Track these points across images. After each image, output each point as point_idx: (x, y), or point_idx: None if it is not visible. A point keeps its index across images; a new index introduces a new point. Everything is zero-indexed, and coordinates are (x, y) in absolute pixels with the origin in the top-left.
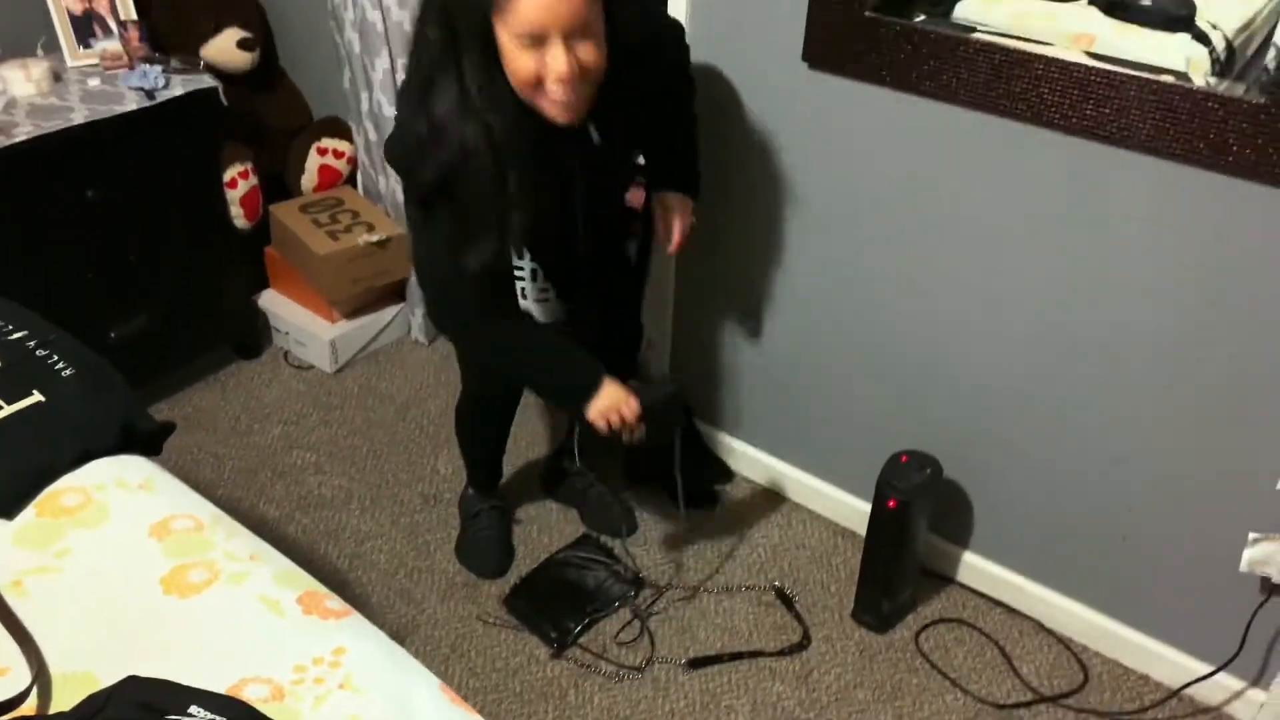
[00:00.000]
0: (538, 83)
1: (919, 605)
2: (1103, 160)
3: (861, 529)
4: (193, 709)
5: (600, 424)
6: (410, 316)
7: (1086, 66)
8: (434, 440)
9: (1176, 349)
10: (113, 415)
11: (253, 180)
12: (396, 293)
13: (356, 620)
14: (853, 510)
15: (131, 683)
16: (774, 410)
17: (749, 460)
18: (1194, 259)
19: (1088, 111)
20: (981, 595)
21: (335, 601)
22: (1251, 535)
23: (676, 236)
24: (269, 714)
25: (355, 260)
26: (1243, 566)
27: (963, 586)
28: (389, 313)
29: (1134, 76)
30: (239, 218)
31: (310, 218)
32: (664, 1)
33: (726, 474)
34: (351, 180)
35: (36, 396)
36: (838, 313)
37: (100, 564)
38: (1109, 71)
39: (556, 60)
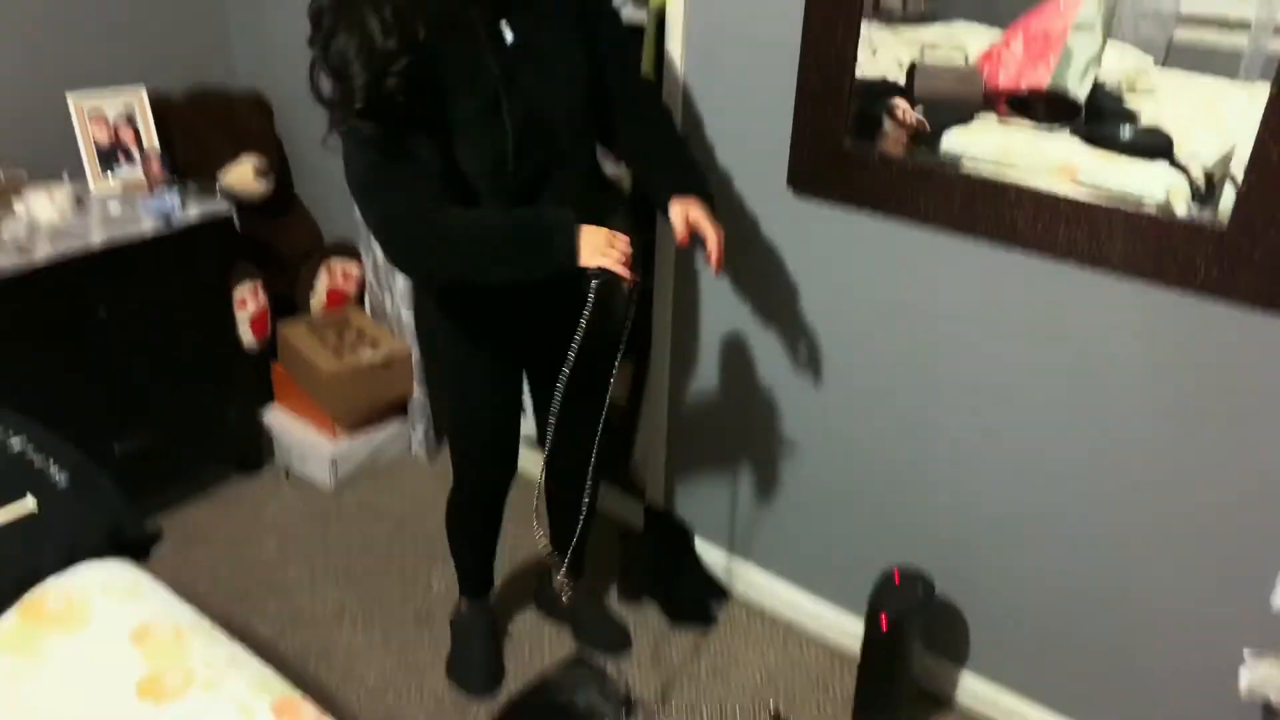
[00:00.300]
0: None
1: None
2: (1077, 282)
3: (858, 651)
4: None
5: (608, 261)
6: (411, 432)
7: (1055, 195)
8: (429, 556)
9: (1158, 466)
10: (102, 520)
11: (262, 301)
12: (398, 408)
13: None
14: (849, 630)
15: None
16: (769, 529)
17: (745, 579)
18: (1171, 377)
19: (1060, 234)
20: (980, 717)
21: (310, 709)
22: (1246, 652)
23: (714, 250)
24: None
25: (360, 378)
26: (1243, 693)
27: (961, 710)
28: (390, 429)
29: (1099, 206)
30: (247, 337)
31: (317, 336)
32: None
33: (722, 593)
34: (359, 300)
35: (29, 502)
36: (829, 432)
37: (78, 668)
38: (1076, 201)
39: None
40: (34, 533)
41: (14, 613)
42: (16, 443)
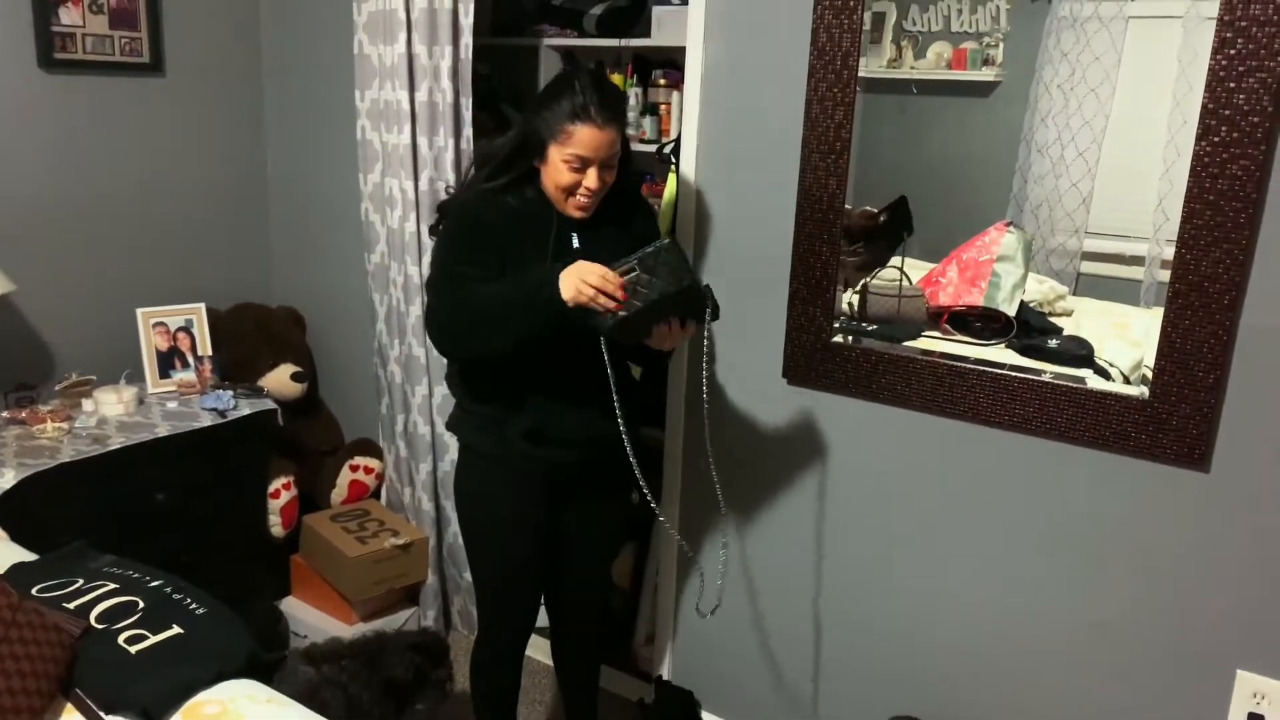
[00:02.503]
0: (570, 190)
1: None
2: (1032, 450)
3: None
4: None
5: (579, 292)
6: (422, 619)
7: (1010, 375)
8: None
9: (1117, 615)
10: (240, 645)
11: (294, 492)
12: (410, 597)
13: None
14: None
15: None
16: (774, 697)
17: None
18: (1114, 532)
19: (1015, 410)
20: None
21: None
22: None
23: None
24: None
25: (381, 562)
26: None
27: None
28: (402, 616)
29: (1048, 383)
30: (276, 526)
31: (340, 525)
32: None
33: None
34: (376, 494)
35: (176, 629)
36: (828, 598)
37: None
38: (1028, 378)
39: (591, 179)
40: (186, 652)
41: (179, 716)
42: (158, 582)
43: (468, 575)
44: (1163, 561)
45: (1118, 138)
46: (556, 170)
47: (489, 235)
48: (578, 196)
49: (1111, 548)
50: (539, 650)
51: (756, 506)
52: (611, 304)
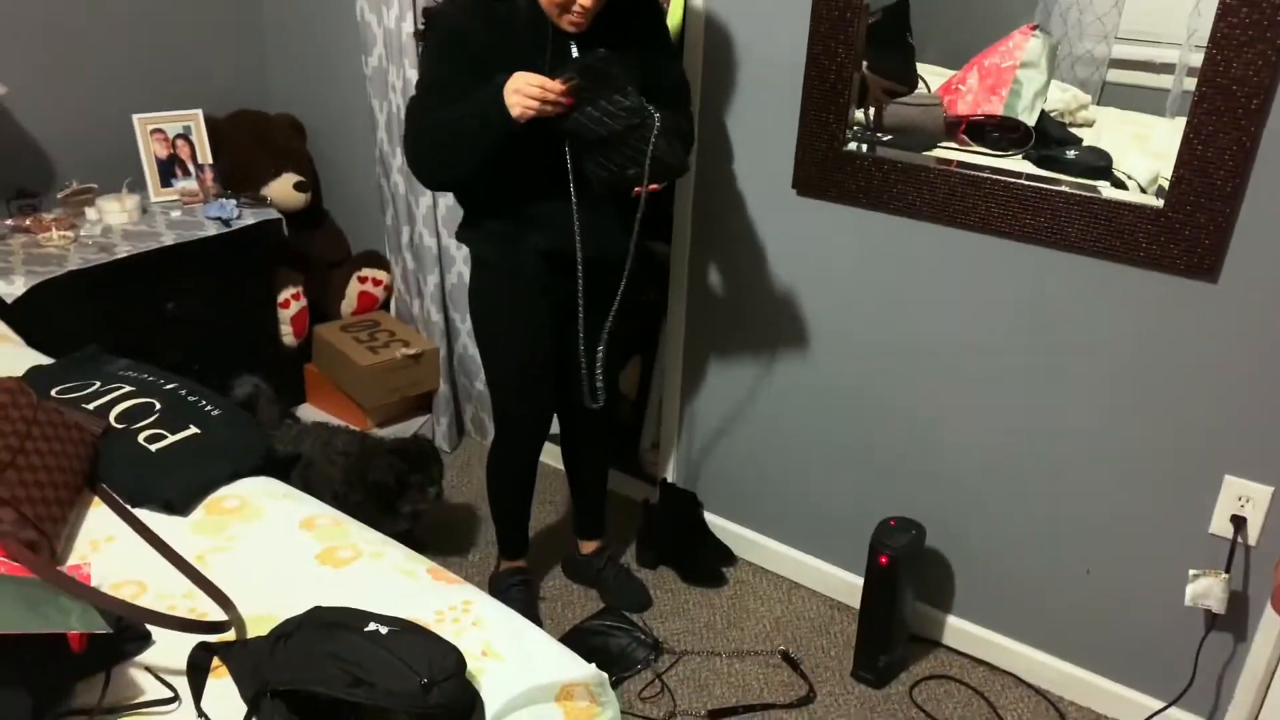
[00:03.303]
0: (563, 6)
1: (910, 665)
2: (1040, 260)
3: (854, 601)
4: (371, 625)
5: (524, 107)
6: (435, 426)
7: (1024, 184)
8: (460, 535)
9: (1112, 420)
10: (255, 444)
11: (303, 302)
12: (424, 405)
13: (472, 587)
14: (846, 584)
15: (317, 610)
16: (771, 495)
17: (749, 543)
18: (1118, 340)
19: (1026, 221)
20: (966, 655)
21: (451, 575)
22: (1191, 572)
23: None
24: None
25: (393, 372)
26: (1186, 601)
27: (949, 649)
28: (416, 422)
29: (1062, 192)
30: (288, 335)
31: (351, 336)
32: None
33: (729, 557)
34: (385, 306)
35: (193, 429)
36: (826, 405)
37: (263, 546)
38: (1042, 188)
39: None
40: (203, 451)
41: (201, 509)
42: (173, 385)
43: (479, 384)
44: (1164, 371)
45: None
46: None
47: (474, 49)
48: (574, 13)
49: (1114, 357)
50: (551, 456)
51: (762, 317)
52: (560, 110)
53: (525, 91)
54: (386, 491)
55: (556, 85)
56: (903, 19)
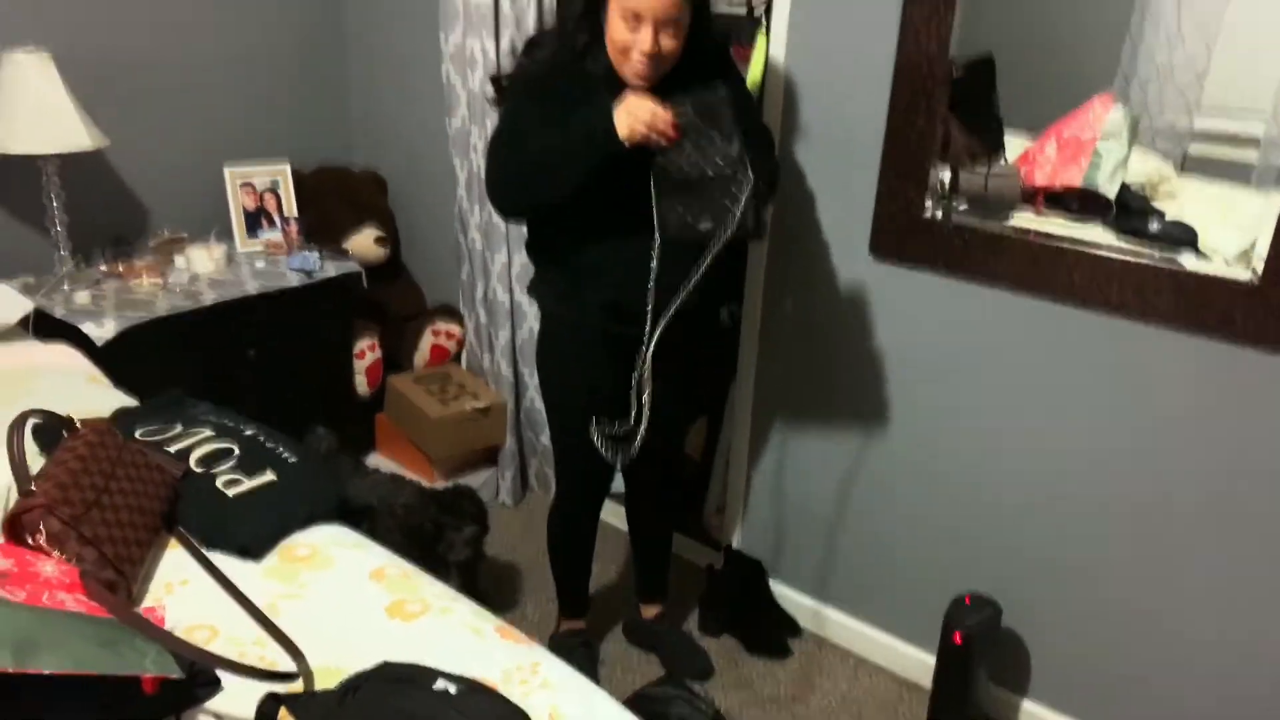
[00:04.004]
0: (625, 51)
1: None
2: (1128, 333)
3: (925, 680)
4: (440, 683)
5: (632, 129)
6: (500, 480)
7: (1109, 255)
8: (522, 590)
9: (1210, 503)
10: (330, 492)
11: (378, 353)
12: (490, 458)
13: (540, 647)
14: (917, 662)
15: (387, 665)
16: (840, 566)
17: (816, 615)
18: (1213, 417)
19: (1113, 292)
20: None
21: (520, 634)
22: None
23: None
24: None
25: (461, 424)
26: None
27: None
28: (481, 476)
29: (1149, 265)
30: (362, 385)
31: (423, 387)
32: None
33: (794, 628)
34: (457, 358)
35: (270, 475)
36: (900, 474)
37: (333, 595)
38: (1128, 260)
39: (644, 39)
40: (278, 498)
41: (274, 555)
42: (251, 430)
43: (545, 439)
44: (1266, 453)
45: (1240, 8)
46: (613, 25)
47: (556, 101)
48: (634, 60)
49: (1211, 436)
50: (614, 516)
51: (835, 382)
52: (664, 141)
53: (638, 114)
54: (425, 538)
55: (667, 115)
56: (989, 77)
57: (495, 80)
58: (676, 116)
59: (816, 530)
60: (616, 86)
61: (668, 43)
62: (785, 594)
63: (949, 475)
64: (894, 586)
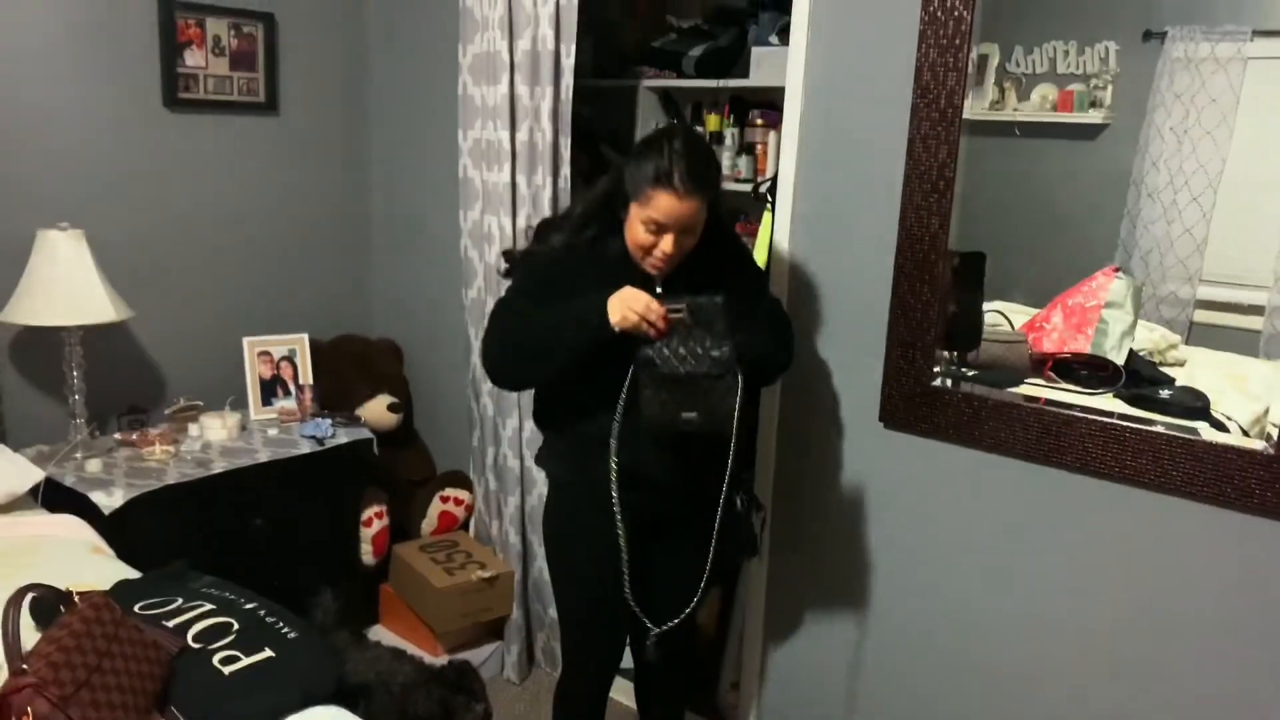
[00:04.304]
0: (645, 249)
1: None
2: (1144, 503)
3: None
4: None
5: (624, 317)
6: (505, 655)
7: (1121, 424)
8: None
9: (1239, 685)
10: (328, 672)
11: (385, 521)
12: (494, 631)
13: None
14: None
15: None
16: None
17: None
18: (1236, 593)
19: (1127, 461)
20: None
21: None
22: None
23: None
24: None
25: (467, 595)
26: None
27: None
28: (486, 650)
29: (1163, 434)
30: (368, 554)
31: (429, 556)
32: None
33: None
34: (465, 525)
35: (268, 652)
36: (917, 652)
37: None
38: (1141, 429)
39: (665, 244)
40: (276, 676)
41: None
42: (253, 605)
43: (552, 611)
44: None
45: (1235, 182)
46: (635, 228)
47: (567, 279)
48: (654, 258)
49: (1234, 610)
50: (623, 693)
51: (850, 555)
52: (652, 333)
53: (631, 304)
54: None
55: (660, 309)
56: (978, 273)
57: (507, 254)
58: (670, 312)
59: (834, 710)
60: (630, 269)
61: (687, 242)
62: None
63: (973, 655)
64: None
